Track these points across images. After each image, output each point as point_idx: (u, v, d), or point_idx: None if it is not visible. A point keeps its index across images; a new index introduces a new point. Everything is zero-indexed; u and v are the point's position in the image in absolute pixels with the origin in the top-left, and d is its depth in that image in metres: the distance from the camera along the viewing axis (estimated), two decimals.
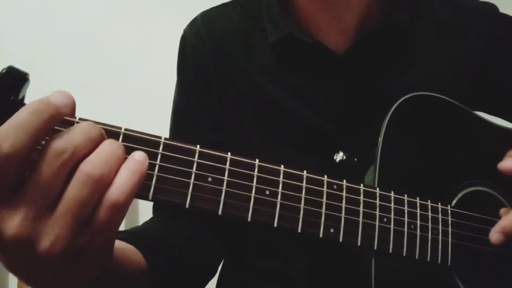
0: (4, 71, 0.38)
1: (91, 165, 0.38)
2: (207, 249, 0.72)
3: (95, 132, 0.39)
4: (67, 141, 0.37)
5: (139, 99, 1.56)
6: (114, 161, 0.39)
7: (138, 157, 0.41)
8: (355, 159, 0.65)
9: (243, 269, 0.75)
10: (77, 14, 1.56)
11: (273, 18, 0.73)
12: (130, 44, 1.60)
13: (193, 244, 0.70)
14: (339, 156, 0.65)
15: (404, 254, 0.55)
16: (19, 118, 0.36)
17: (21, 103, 0.40)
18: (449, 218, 0.59)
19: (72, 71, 1.51)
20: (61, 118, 0.38)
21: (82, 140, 0.38)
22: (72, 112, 0.40)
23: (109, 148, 0.39)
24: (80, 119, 0.41)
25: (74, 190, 0.37)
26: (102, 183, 0.38)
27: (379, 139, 0.59)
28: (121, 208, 0.39)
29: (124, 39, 1.59)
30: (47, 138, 0.37)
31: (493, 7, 0.79)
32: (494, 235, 0.59)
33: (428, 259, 0.56)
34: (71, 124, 0.40)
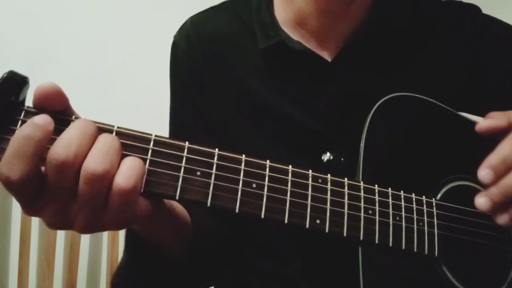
0: (5, 75, 0.42)
1: (94, 162, 0.41)
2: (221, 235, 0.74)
3: (91, 129, 0.43)
4: (67, 147, 0.41)
5: (139, 100, 1.57)
6: (113, 153, 0.43)
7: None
8: (342, 159, 0.67)
9: (242, 269, 0.76)
10: (77, 14, 1.57)
11: (263, 25, 0.73)
12: (130, 44, 1.60)
13: (214, 225, 0.71)
14: (326, 156, 0.67)
15: (391, 244, 0.56)
16: (17, 145, 0.40)
17: (22, 105, 0.43)
18: (434, 210, 0.60)
19: (72, 71, 1.52)
20: (50, 134, 0.42)
21: (80, 141, 0.42)
22: (62, 101, 0.44)
23: (107, 141, 0.43)
24: (75, 118, 0.44)
25: (84, 186, 0.42)
26: (108, 175, 0.42)
27: (362, 139, 0.61)
28: (132, 192, 0.43)
29: (124, 39, 1.60)
30: (49, 147, 0.41)
31: (477, 8, 0.80)
32: (482, 171, 0.58)
33: (415, 249, 0.58)
34: (67, 122, 0.43)
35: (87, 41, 1.57)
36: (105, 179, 0.42)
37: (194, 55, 0.77)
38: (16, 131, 0.41)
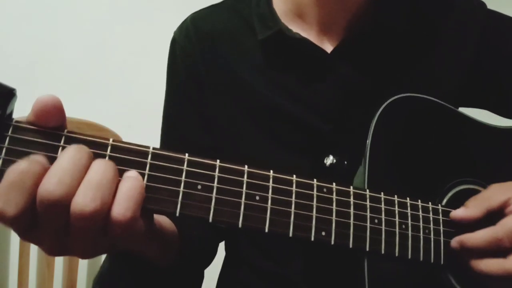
0: None
1: (83, 200, 0.39)
2: (207, 236, 0.74)
3: (84, 159, 0.40)
4: (59, 184, 0.38)
5: (139, 100, 1.56)
6: (106, 184, 0.40)
7: (131, 174, 0.42)
8: (345, 162, 0.65)
9: (242, 269, 0.75)
10: (77, 15, 1.56)
11: (262, 17, 0.73)
12: (130, 44, 1.59)
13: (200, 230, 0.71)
14: (329, 160, 0.65)
15: (397, 254, 0.55)
16: (14, 178, 0.38)
17: (9, 118, 0.41)
18: (440, 217, 0.59)
19: (72, 71, 1.50)
20: (47, 169, 0.40)
21: (72, 174, 0.39)
22: (59, 117, 0.42)
23: (98, 172, 0.40)
24: (67, 132, 0.42)
25: (76, 223, 0.39)
26: (99, 212, 0.39)
27: (367, 142, 0.60)
28: (131, 222, 0.40)
29: (124, 39, 1.59)
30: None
31: (482, 4, 0.79)
32: (453, 242, 0.58)
33: (421, 258, 0.57)
34: (59, 137, 0.41)
35: (87, 41, 1.56)
36: (97, 215, 0.39)
37: (192, 52, 0.77)
38: (12, 165, 0.39)
